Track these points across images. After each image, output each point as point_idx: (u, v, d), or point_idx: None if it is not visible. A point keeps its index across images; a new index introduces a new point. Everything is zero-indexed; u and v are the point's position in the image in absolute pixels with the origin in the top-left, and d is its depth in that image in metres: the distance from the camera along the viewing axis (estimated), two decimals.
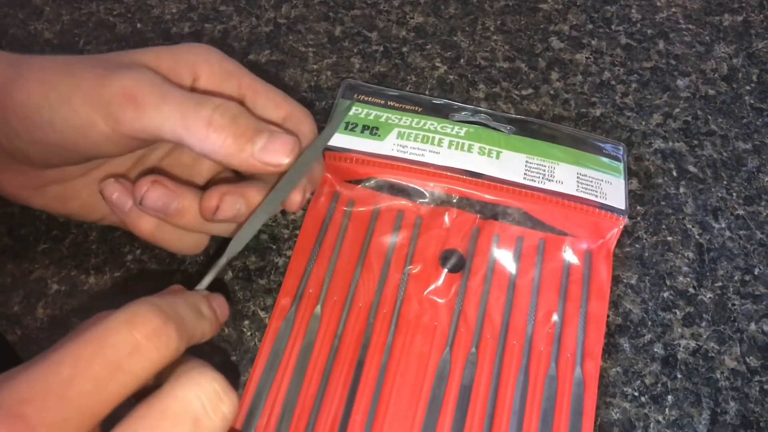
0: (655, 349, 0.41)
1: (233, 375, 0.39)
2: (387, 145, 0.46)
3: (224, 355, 0.40)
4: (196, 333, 0.27)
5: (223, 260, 0.33)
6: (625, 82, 0.52)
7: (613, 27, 0.55)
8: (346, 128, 0.47)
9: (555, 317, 0.41)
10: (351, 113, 0.47)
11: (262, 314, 0.41)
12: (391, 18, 0.55)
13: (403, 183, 0.46)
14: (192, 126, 0.30)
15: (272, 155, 0.32)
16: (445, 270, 0.43)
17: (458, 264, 0.43)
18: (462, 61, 0.53)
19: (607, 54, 0.53)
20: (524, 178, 0.45)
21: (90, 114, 0.30)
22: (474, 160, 0.45)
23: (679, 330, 0.42)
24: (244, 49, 0.53)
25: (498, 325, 0.41)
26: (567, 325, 0.41)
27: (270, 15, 0.55)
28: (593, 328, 0.41)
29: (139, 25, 0.54)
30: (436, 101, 0.49)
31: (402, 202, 0.45)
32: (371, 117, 0.48)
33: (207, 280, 0.32)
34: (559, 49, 0.53)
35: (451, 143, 0.46)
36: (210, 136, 0.30)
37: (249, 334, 0.41)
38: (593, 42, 0.54)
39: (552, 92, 0.51)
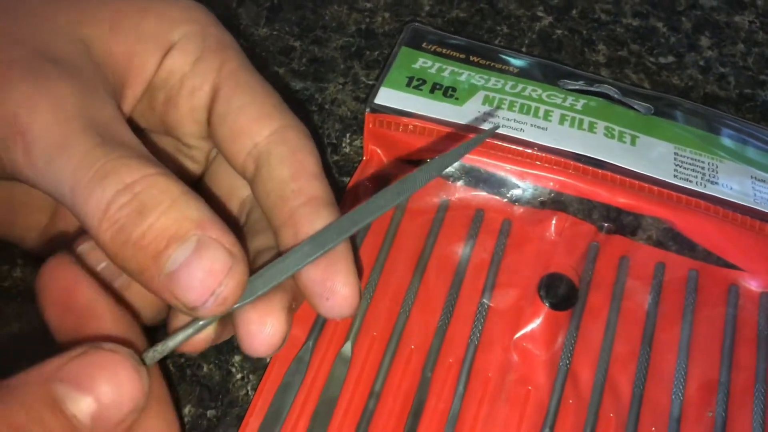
0: None
1: None
2: (468, 112, 0.31)
3: (197, 407, 0.25)
4: None
5: (180, 336, 0.20)
6: None
7: None
8: (408, 84, 0.32)
9: (717, 394, 0.26)
10: (416, 65, 0.33)
11: None
12: None
13: (488, 169, 0.31)
14: (83, 209, 0.20)
15: (186, 291, 0.19)
16: (547, 305, 0.28)
17: (567, 297, 0.29)
18: (574, 12, 0.38)
19: None
20: (674, 177, 0.30)
21: None
22: (598, 144, 0.31)
23: None
24: None
25: (627, 398, 0.27)
26: (735, 407, 0.27)
27: None
28: None
29: None
30: (538, 61, 0.34)
31: (483, 196, 0.30)
32: (445, 73, 0.33)
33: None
34: (710, 7, 0.39)
35: (563, 118, 0.31)
36: (100, 235, 0.19)
37: (239, 377, 0.27)
38: (759, 1, 0.39)
39: (702, 63, 0.36)
